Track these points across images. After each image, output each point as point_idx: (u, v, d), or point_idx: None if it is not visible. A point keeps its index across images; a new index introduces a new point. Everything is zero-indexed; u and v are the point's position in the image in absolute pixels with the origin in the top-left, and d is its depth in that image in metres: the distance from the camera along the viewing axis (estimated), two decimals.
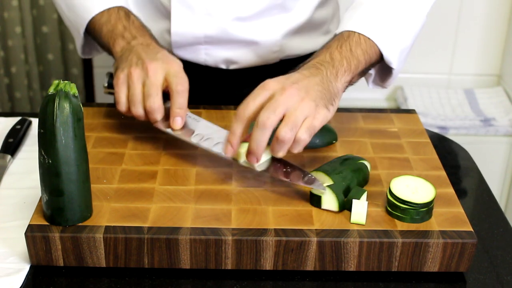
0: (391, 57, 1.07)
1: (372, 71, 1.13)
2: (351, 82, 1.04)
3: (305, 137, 0.92)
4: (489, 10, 2.21)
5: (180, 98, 1.02)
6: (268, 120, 0.91)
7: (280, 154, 0.93)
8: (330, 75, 0.99)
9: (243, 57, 1.23)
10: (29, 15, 2.18)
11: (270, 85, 0.94)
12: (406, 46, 1.10)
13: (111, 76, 1.14)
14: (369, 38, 1.04)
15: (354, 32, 1.04)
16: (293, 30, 1.23)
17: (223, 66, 1.25)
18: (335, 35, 1.07)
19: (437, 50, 2.26)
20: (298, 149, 0.93)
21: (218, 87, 1.28)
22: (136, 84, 1.02)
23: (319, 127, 0.94)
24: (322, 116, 0.94)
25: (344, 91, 1.03)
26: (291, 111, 0.92)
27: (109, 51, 1.14)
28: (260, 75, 1.26)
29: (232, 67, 1.25)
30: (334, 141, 1.09)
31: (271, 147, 0.93)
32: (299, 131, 0.92)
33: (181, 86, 1.02)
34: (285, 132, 0.91)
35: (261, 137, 0.91)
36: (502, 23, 2.22)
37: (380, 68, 1.13)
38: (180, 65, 1.05)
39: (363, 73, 1.07)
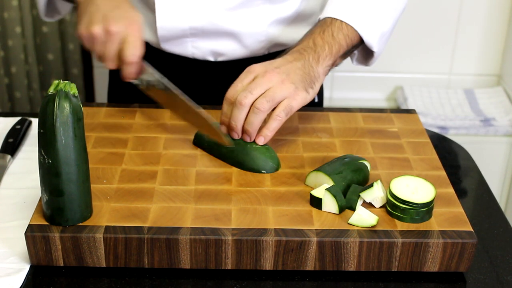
0: (372, 42, 1.13)
1: (355, 51, 1.18)
2: (333, 65, 1.11)
3: (281, 115, 1.01)
4: (489, 10, 2.21)
5: (129, 67, 1.07)
6: (245, 99, 1.00)
7: (255, 125, 1.00)
8: (312, 60, 1.06)
9: (230, 49, 1.24)
10: (29, 15, 2.18)
11: (254, 69, 1.04)
12: (387, 29, 1.15)
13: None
14: (351, 26, 1.10)
15: (336, 19, 1.10)
16: (279, 20, 1.24)
17: (211, 58, 1.26)
18: (319, 21, 1.13)
19: (437, 50, 2.27)
20: (273, 127, 1.02)
21: (208, 81, 1.28)
22: (98, 45, 1.07)
23: (297, 108, 1.03)
24: (301, 98, 1.03)
25: (326, 74, 1.10)
26: (270, 89, 1.01)
27: (73, 2, 1.16)
28: None
29: (220, 59, 1.26)
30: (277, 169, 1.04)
31: (247, 118, 1.01)
32: (277, 109, 1.01)
33: (132, 57, 1.06)
34: (261, 103, 1.00)
35: (239, 115, 1.01)
36: (502, 23, 2.22)
37: (363, 49, 1.17)
38: (139, 29, 1.08)
39: (346, 54, 1.13)
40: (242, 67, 1.26)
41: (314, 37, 1.09)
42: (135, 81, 1.11)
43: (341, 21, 1.10)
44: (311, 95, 1.05)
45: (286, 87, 1.02)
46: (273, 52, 1.28)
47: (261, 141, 1.03)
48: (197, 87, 1.28)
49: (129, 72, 1.08)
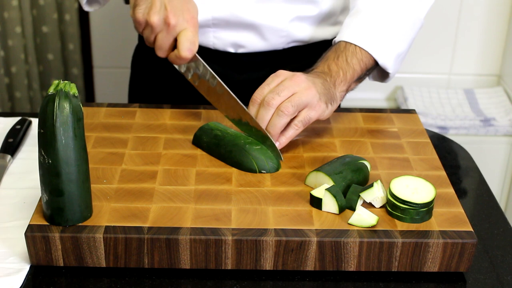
0: (387, 64, 1.13)
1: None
2: (348, 90, 1.12)
3: (300, 125, 1.03)
4: (489, 10, 2.21)
5: (181, 61, 1.06)
6: (273, 100, 1.01)
7: (277, 127, 1.01)
8: (330, 83, 1.07)
9: (250, 41, 1.26)
10: (29, 15, 2.18)
11: (282, 73, 1.05)
12: (402, 50, 1.16)
13: None
14: (365, 50, 1.11)
15: (351, 43, 1.11)
16: (300, 18, 1.25)
17: (232, 50, 1.27)
18: (333, 45, 1.13)
19: (437, 50, 2.27)
20: (289, 134, 1.03)
21: (227, 71, 1.29)
22: (153, 33, 1.06)
23: (314, 119, 1.03)
24: (321, 110, 1.04)
25: (341, 99, 1.10)
26: (296, 94, 1.01)
27: None
28: (268, 60, 1.28)
29: (240, 50, 1.27)
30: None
31: (271, 120, 1.01)
32: (296, 118, 1.02)
33: (187, 52, 1.05)
34: (286, 106, 1.00)
35: (265, 115, 1.02)
36: (502, 23, 2.22)
37: (379, 69, 1.18)
38: (196, 24, 1.07)
39: (361, 78, 1.14)
40: (261, 60, 1.28)
41: (329, 63, 1.10)
42: (180, 68, 1.11)
43: (355, 45, 1.11)
44: (329, 110, 1.06)
45: (312, 94, 1.02)
46: (292, 47, 1.29)
47: (276, 145, 1.03)
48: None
49: (180, 63, 1.08)
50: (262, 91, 1.03)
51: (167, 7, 1.05)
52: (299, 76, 1.03)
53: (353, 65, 1.10)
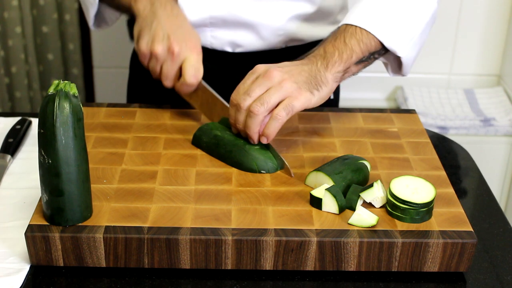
0: (394, 46, 1.08)
1: (387, 60, 1.15)
2: (348, 71, 1.07)
3: (282, 114, 0.99)
4: (489, 10, 2.21)
5: (187, 87, 1.11)
6: (244, 101, 0.99)
7: (252, 128, 1.00)
8: (321, 66, 1.04)
9: (248, 40, 1.26)
10: (29, 15, 2.18)
11: (257, 69, 1.03)
12: (415, 34, 1.10)
13: (129, 24, 1.24)
14: (366, 30, 1.07)
15: (351, 25, 1.08)
16: (298, 16, 1.25)
17: (229, 49, 1.27)
18: (334, 30, 1.11)
19: (437, 50, 2.27)
20: (273, 126, 0.99)
21: (224, 71, 1.29)
22: (158, 63, 1.10)
23: (299, 108, 1.00)
24: (304, 98, 1.00)
25: (338, 81, 1.06)
26: (267, 91, 0.99)
27: (128, 10, 1.18)
28: (266, 60, 1.28)
29: (237, 50, 1.27)
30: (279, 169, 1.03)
31: (245, 122, 1.00)
32: (276, 108, 0.99)
33: (193, 78, 1.09)
34: (254, 106, 0.98)
35: (239, 117, 1.01)
36: (502, 23, 2.22)
37: (395, 59, 1.14)
38: (200, 51, 1.11)
39: (363, 62, 1.08)
40: (259, 59, 1.27)
41: (325, 45, 1.07)
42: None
43: (355, 26, 1.07)
44: (317, 97, 1.02)
45: (286, 87, 0.99)
46: (290, 46, 1.28)
47: (264, 140, 1.01)
48: (214, 78, 1.29)
49: (187, 91, 1.11)
50: (237, 91, 1.02)
51: (170, 36, 1.08)
52: (272, 71, 1.01)
53: (352, 45, 1.06)
